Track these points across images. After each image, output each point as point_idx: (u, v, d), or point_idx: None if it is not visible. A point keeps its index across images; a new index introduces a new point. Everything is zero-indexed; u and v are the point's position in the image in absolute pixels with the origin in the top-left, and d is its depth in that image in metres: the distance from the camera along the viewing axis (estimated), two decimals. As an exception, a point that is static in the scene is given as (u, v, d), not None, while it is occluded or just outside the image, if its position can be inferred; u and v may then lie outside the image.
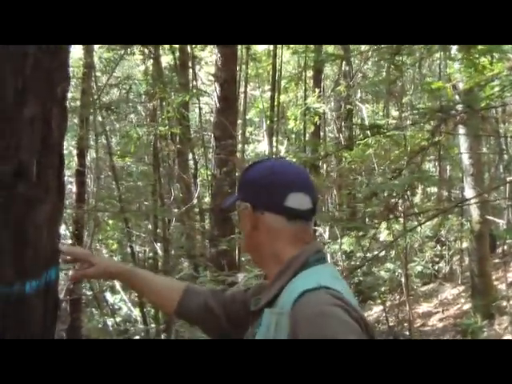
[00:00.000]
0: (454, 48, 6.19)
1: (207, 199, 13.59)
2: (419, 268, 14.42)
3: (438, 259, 15.74)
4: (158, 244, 12.09)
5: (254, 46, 16.34)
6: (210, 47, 14.34)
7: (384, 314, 12.43)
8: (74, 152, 13.57)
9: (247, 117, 17.16)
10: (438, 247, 15.64)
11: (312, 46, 14.42)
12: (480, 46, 4.86)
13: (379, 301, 13.18)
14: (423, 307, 13.83)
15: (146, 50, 11.88)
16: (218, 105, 10.50)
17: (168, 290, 2.25)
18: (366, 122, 13.20)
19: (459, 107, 5.18)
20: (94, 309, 13.36)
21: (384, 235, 11.57)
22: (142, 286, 2.30)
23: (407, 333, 11.17)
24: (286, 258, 1.87)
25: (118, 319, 11.85)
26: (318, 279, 1.72)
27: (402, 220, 9.53)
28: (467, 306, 12.26)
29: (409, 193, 9.61)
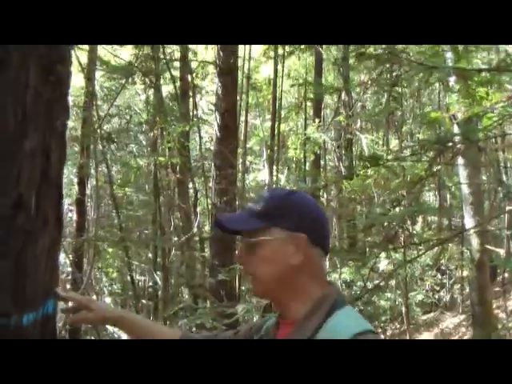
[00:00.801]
0: (452, 79, 6.24)
1: (207, 228, 13.59)
2: (420, 297, 14.39)
3: (438, 288, 15.70)
4: (158, 273, 12.08)
5: (254, 75, 16.45)
6: (210, 76, 14.43)
7: (385, 344, 12.36)
8: (75, 180, 13.61)
9: (248, 146, 17.20)
10: (439, 276, 15.61)
11: (311, 77, 14.50)
12: (477, 77, 4.90)
13: (380, 330, 13.13)
14: (424, 336, 13.77)
15: (147, 80, 11.95)
16: (218, 134, 10.53)
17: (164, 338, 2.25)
18: (366, 152, 13.24)
19: (457, 138, 5.21)
20: (93, 337, 13.32)
21: (384, 264, 11.56)
22: (138, 334, 2.28)
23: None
24: (311, 296, 1.86)
25: (118, 348, 11.77)
26: (357, 321, 1.78)
27: (402, 249, 9.53)
28: (468, 335, 12.20)
29: (409, 222, 9.61)
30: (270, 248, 1.86)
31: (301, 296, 1.86)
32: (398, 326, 13.49)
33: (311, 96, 15.51)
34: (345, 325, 1.74)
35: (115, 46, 12.29)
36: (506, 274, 14.18)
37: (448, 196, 17.31)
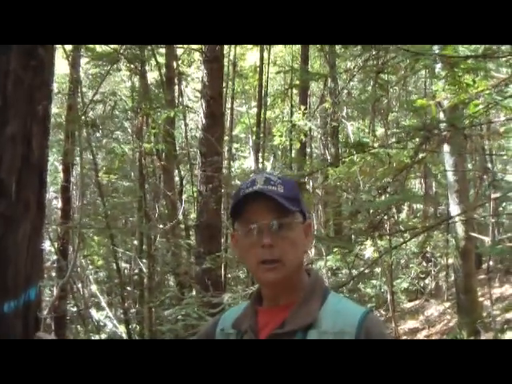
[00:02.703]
0: (438, 66, 6.24)
1: (193, 215, 13.56)
2: (405, 284, 14.44)
3: (423, 276, 15.76)
4: (144, 260, 12.05)
5: (240, 62, 16.42)
6: (196, 63, 14.38)
7: (370, 331, 12.38)
8: (60, 168, 13.53)
9: (233, 133, 17.18)
10: (424, 264, 15.65)
11: (297, 65, 14.49)
12: (463, 64, 4.89)
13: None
14: (409, 324, 13.81)
15: (133, 66, 11.88)
16: (204, 121, 10.49)
17: None
18: (352, 139, 13.24)
19: (443, 125, 5.21)
20: (79, 325, 13.29)
21: (370, 252, 11.59)
22: None
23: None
24: (303, 281, 1.90)
25: (103, 336, 11.77)
26: (353, 303, 1.90)
27: (387, 237, 9.55)
28: (453, 323, 12.25)
29: (394, 210, 9.62)
30: (298, 232, 1.86)
31: (300, 281, 1.88)
32: (384, 313, 13.52)
33: (297, 83, 15.48)
34: (349, 306, 1.83)
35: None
36: (491, 262, 14.26)
37: (433, 184, 17.36)
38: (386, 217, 7.30)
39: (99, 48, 12.03)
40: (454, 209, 10.81)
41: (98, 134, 13.43)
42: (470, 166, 14.70)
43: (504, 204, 14.14)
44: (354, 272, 10.36)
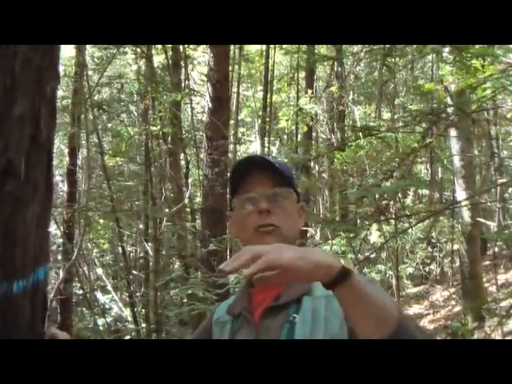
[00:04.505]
0: (446, 50, 6.20)
1: (198, 199, 13.56)
2: (410, 270, 14.46)
3: (429, 261, 15.78)
4: (149, 244, 12.07)
5: (246, 46, 16.36)
6: (202, 47, 14.32)
7: (375, 316, 12.38)
8: (66, 151, 13.53)
9: (239, 117, 17.13)
10: (429, 249, 15.67)
11: (304, 46, 14.46)
12: (472, 49, 4.87)
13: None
14: (414, 309, 13.84)
15: (139, 50, 11.85)
16: (210, 105, 10.45)
17: None
18: (358, 124, 13.20)
19: (450, 110, 5.19)
20: (84, 308, 13.33)
21: (375, 237, 11.58)
22: None
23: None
24: None
25: (109, 319, 11.83)
26: None
27: (393, 222, 9.54)
28: (458, 308, 12.27)
29: (400, 195, 9.62)
30: (293, 207, 1.91)
31: None
32: (389, 298, 13.54)
33: (304, 66, 15.44)
34: None
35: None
36: (496, 249, 14.27)
37: (439, 169, 17.33)
38: (391, 202, 7.30)
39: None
40: (461, 194, 10.81)
41: (104, 117, 13.42)
42: (476, 151, 14.67)
43: (510, 189, 14.13)
44: (360, 257, 10.37)
